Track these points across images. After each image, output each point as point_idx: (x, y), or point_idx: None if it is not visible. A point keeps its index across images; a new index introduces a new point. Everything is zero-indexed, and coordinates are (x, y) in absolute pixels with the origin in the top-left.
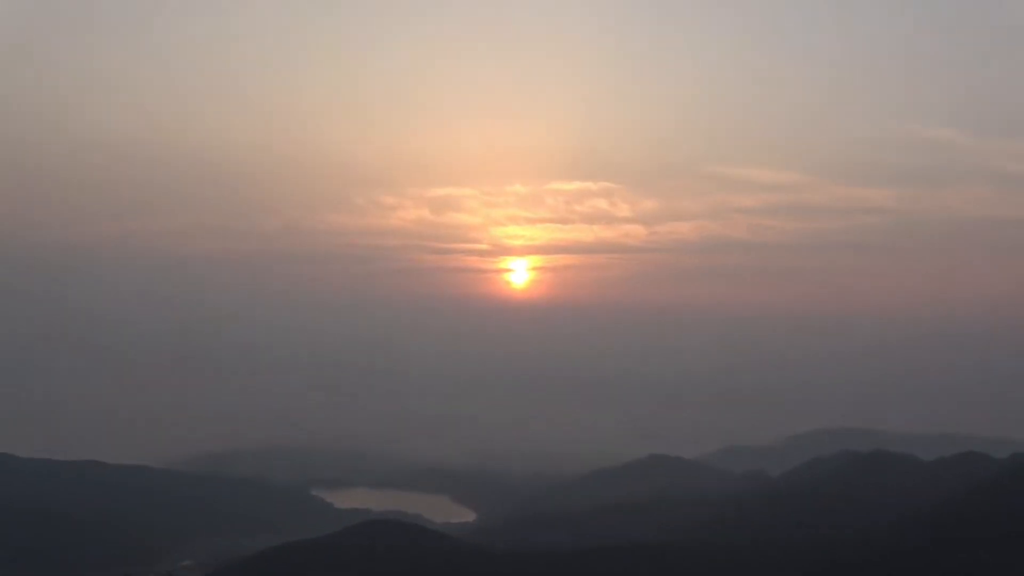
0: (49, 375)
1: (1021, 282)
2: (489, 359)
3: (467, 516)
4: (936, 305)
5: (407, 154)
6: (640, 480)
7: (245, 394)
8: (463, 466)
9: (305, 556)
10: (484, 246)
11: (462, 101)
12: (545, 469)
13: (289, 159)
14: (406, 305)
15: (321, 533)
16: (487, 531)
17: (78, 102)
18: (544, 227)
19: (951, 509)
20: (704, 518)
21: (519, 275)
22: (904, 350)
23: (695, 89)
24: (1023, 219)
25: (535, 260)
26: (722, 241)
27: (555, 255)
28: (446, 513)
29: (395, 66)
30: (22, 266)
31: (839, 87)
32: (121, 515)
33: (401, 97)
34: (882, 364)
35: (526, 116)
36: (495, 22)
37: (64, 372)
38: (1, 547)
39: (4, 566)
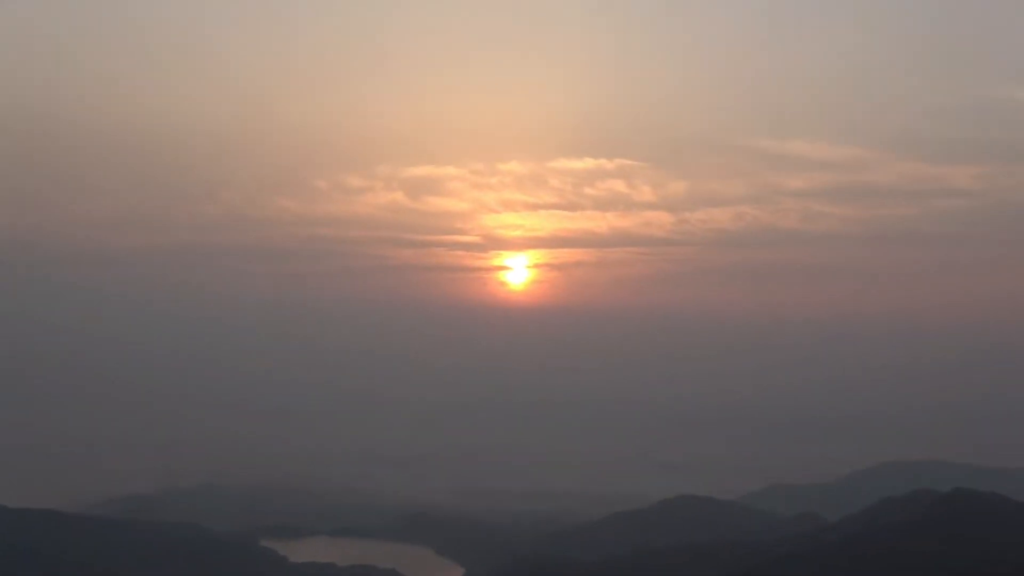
0: None
1: None
2: (480, 377)
3: (454, 571)
4: None
5: (377, 125)
6: (666, 526)
7: (178, 421)
8: (449, 509)
9: None
10: (473, 238)
11: (445, 60)
12: (550, 512)
13: (231, 132)
14: (377, 311)
15: None
16: None
17: None
18: (547, 215)
19: None
20: (744, 572)
21: (517, 274)
22: (991, 364)
23: (733, 46)
24: None
25: (536, 255)
26: (767, 231)
27: (561, 249)
28: (428, 568)
29: (361, 18)
30: None
31: (909, 44)
32: (23, 572)
33: (369, 56)
34: (963, 382)
35: (524, 78)
36: None
37: None
38: None
39: None
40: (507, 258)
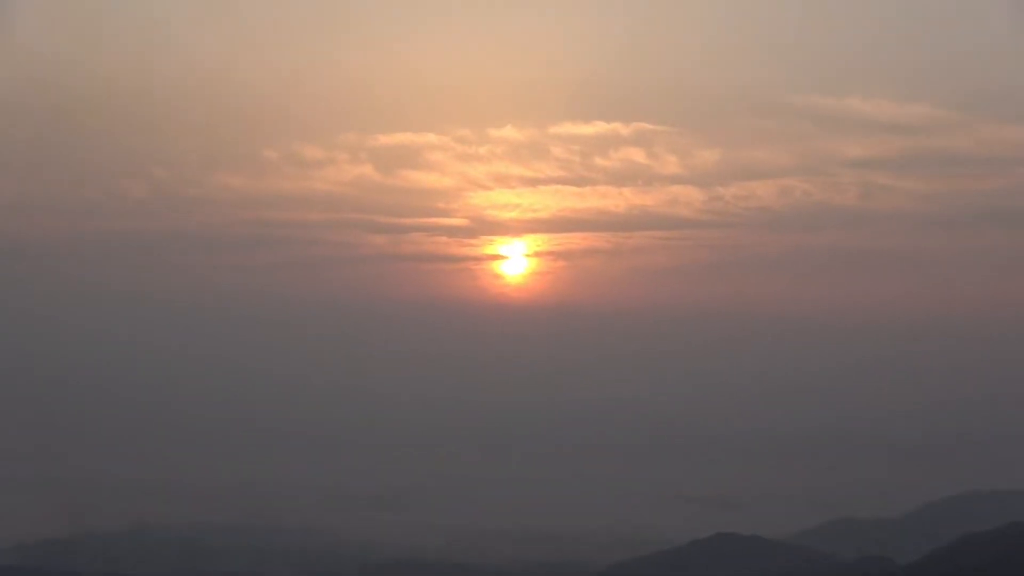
0: None
1: None
2: (470, 390)
3: None
4: None
5: (340, 83)
6: (700, 571)
7: (98, 449)
8: (432, 553)
9: None
10: (459, 221)
11: (422, 2)
12: (555, 556)
13: (160, 94)
14: (341, 311)
15: None
16: None
17: None
18: (550, 191)
19: None
20: None
21: (513, 264)
22: None
23: None
24: None
25: (537, 241)
26: (819, 210)
27: (567, 233)
28: None
29: None
30: None
31: None
32: None
33: None
34: None
35: (520, 24)
36: None
37: None
38: None
39: None
40: (501, 245)
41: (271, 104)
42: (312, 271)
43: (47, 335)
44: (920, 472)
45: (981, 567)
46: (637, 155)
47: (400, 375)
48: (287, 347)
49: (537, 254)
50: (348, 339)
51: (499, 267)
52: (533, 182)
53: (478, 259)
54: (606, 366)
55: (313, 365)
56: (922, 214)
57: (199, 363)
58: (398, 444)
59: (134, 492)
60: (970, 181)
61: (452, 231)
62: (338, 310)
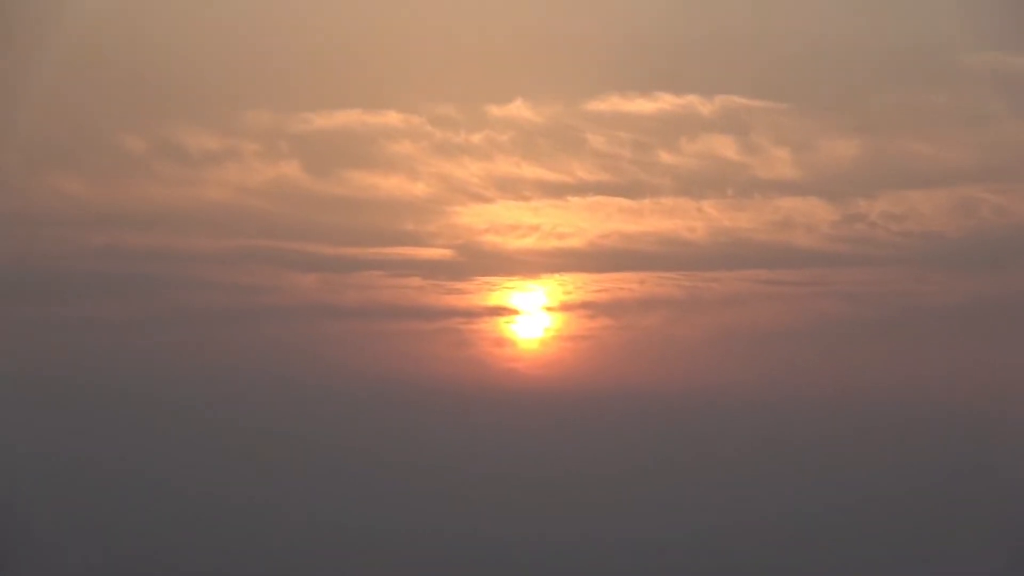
0: None
1: None
2: (462, 530)
3: None
4: None
5: (248, 31)
6: None
7: None
8: None
9: None
10: (439, 251)
11: None
12: None
13: None
14: (248, 399)
15: None
16: None
17: None
18: (585, 205)
19: None
20: None
21: (528, 323)
22: None
23: None
24: None
25: (565, 286)
26: (1022, 235)
27: (613, 274)
28: None
29: None
30: None
31: None
32: None
33: None
34: None
35: None
36: None
37: None
38: None
39: None
40: (509, 292)
41: (137, 64)
42: (200, 332)
43: None
44: None
45: None
46: (725, 147)
47: (341, 502)
48: (158, 453)
49: (566, 306)
50: (259, 442)
51: (506, 327)
52: (559, 190)
53: (471, 314)
54: (683, 490)
55: (201, 483)
56: None
57: (22, 469)
58: None
59: None
60: None
61: (429, 268)
62: (243, 396)
